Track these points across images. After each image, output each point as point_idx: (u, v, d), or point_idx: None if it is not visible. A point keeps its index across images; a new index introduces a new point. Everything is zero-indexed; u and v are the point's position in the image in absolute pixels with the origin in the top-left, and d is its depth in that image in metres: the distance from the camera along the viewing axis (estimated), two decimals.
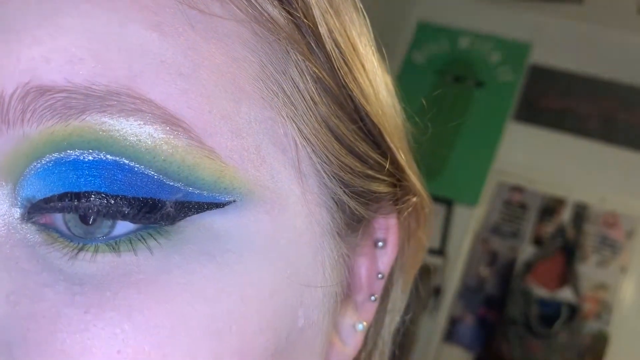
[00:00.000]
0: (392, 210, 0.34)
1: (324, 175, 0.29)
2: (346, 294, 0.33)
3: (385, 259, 0.35)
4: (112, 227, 0.24)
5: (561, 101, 2.54)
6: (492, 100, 2.56)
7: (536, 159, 2.49)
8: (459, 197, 2.49)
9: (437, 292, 2.43)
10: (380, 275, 0.35)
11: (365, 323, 0.34)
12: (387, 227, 0.34)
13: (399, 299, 0.39)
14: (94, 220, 0.24)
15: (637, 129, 2.44)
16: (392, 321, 0.39)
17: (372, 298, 0.35)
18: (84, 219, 0.24)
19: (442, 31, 2.69)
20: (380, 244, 0.34)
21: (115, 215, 0.23)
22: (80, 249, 0.23)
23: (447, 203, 2.47)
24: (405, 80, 2.60)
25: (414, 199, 0.35)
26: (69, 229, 0.24)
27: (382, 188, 0.32)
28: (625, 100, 2.47)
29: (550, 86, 2.57)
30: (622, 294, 2.32)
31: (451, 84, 2.62)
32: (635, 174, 2.38)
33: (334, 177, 0.29)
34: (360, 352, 0.35)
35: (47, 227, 0.24)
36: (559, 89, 2.56)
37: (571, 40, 2.55)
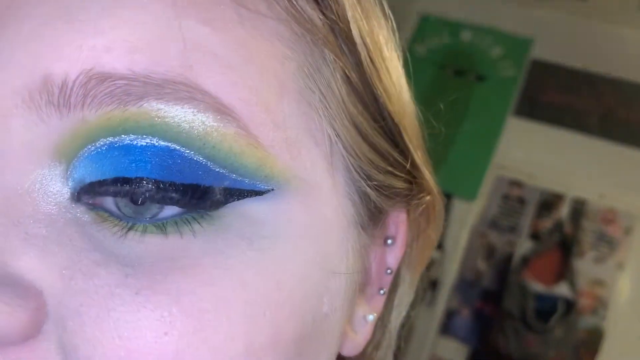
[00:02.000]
0: (405, 206, 0.35)
1: (351, 169, 0.30)
2: (362, 283, 0.34)
3: (394, 255, 0.36)
4: (161, 208, 0.25)
5: (561, 97, 2.55)
6: (493, 94, 2.56)
7: (536, 154, 2.50)
8: (457, 191, 2.49)
9: (434, 285, 2.44)
10: (389, 271, 0.35)
11: (375, 314, 0.35)
12: (398, 222, 0.35)
13: (406, 295, 0.40)
14: (144, 201, 0.25)
15: (637, 125, 2.45)
16: (398, 316, 0.40)
17: (381, 291, 0.36)
18: (133, 199, 0.25)
19: (444, 24, 2.69)
20: (389, 241, 0.35)
21: (164, 200, 0.25)
22: (130, 228, 0.25)
23: (446, 197, 2.47)
24: (406, 72, 2.60)
25: (428, 197, 0.36)
26: (119, 208, 0.25)
27: (400, 184, 0.34)
28: (625, 97, 2.48)
29: (550, 82, 2.57)
30: (619, 290, 2.33)
31: (452, 78, 2.62)
32: (634, 171, 2.38)
33: (359, 171, 0.31)
34: (368, 343, 0.36)
35: (95, 207, 0.25)
36: (560, 84, 2.56)
37: (572, 36, 2.56)
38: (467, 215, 2.50)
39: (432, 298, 2.45)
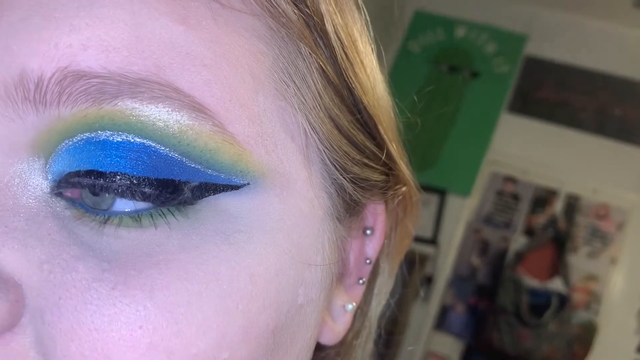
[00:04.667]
0: (382, 197, 0.36)
1: (327, 161, 0.31)
2: (340, 274, 0.35)
3: (373, 245, 0.36)
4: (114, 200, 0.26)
5: (555, 93, 2.56)
6: (487, 91, 2.57)
7: (529, 151, 2.51)
8: (452, 187, 2.50)
9: (429, 280, 2.45)
10: (368, 261, 0.36)
11: (354, 304, 0.36)
12: (376, 214, 0.36)
13: (385, 284, 0.41)
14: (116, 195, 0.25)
15: (630, 122, 2.46)
16: (378, 304, 0.41)
17: (360, 281, 0.36)
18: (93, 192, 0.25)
19: (439, 20, 2.69)
20: (368, 231, 0.36)
21: (136, 194, 0.25)
22: (106, 221, 0.25)
23: (441, 193, 2.49)
24: (401, 69, 2.61)
25: (404, 188, 0.37)
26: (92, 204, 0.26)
27: (376, 176, 0.34)
28: (619, 94, 2.49)
29: (545, 78, 2.58)
30: (612, 285, 2.35)
31: (446, 74, 2.63)
32: (627, 166, 2.40)
33: (335, 164, 0.31)
34: (348, 331, 0.37)
35: (74, 202, 0.25)
36: (554, 81, 2.57)
37: (567, 33, 2.56)
38: (462, 211, 2.51)
39: (426, 294, 2.46)
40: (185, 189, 0.26)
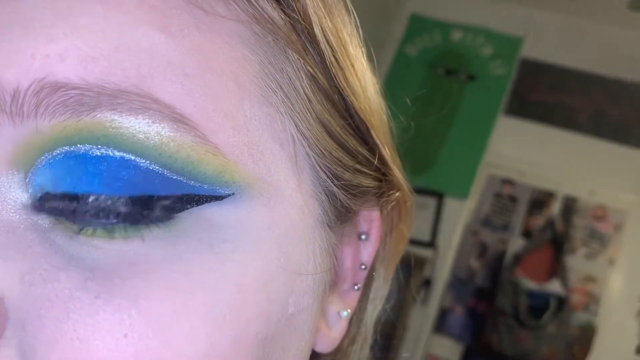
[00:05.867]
0: (376, 204, 0.35)
1: (318, 168, 0.30)
2: (334, 281, 0.34)
3: (368, 251, 0.36)
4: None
5: (552, 95, 2.56)
6: (484, 93, 2.58)
7: (526, 153, 2.51)
8: (449, 190, 2.50)
9: (428, 283, 2.45)
10: (363, 266, 0.36)
11: (349, 310, 0.36)
12: (370, 220, 0.35)
13: (380, 289, 0.41)
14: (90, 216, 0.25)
15: (626, 123, 2.47)
16: (374, 309, 0.41)
17: (356, 287, 0.36)
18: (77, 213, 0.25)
19: (435, 24, 2.69)
20: (363, 237, 0.36)
21: (109, 215, 0.24)
22: (79, 231, 0.25)
23: (438, 196, 2.49)
24: (397, 72, 2.61)
25: (397, 193, 0.37)
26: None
27: (368, 182, 0.34)
28: (615, 95, 2.49)
29: (541, 80, 2.59)
30: (610, 286, 2.35)
31: (443, 77, 2.63)
32: (624, 167, 2.40)
33: (326, 171, 0.31)
34: (344, 338, 0.37)
35: (55, 214, 0.25)
36: (550, 83, 2.57)
37: (562, 35, 2.57)
38: (460, 214, 2.51)
39: (425, 296, 2.46)
40: (165, 204, 0.25)
